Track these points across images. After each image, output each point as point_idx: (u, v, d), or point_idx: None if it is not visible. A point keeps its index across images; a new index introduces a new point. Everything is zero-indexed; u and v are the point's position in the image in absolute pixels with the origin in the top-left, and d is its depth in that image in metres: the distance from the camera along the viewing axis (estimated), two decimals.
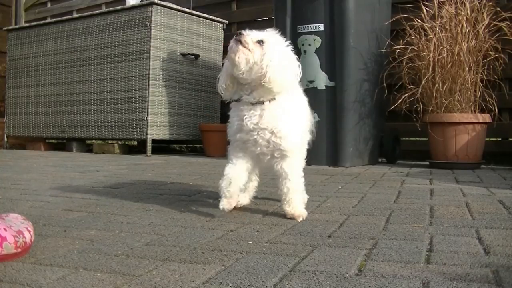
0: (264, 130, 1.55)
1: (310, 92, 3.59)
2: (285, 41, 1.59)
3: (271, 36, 1.56)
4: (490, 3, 3.39)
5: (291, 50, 1.59)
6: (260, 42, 1.52)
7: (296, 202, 1.61)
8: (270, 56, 1.50)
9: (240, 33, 1.52)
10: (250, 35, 1.53)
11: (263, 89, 1.53)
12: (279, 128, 1.55)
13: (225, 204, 1.59)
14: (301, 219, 1.57)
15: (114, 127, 4.85)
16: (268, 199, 2.01)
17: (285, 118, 1.56)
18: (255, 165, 1.68)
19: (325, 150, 3.55)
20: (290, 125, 1.57)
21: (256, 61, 1.50)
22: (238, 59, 1.50)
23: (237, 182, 1.60)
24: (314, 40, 3.55)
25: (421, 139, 4.15)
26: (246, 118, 1.56)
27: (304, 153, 1.72)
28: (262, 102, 1.55)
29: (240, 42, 1.51)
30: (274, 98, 1.55)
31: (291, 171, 1.60)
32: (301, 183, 1.65)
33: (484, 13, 3.37)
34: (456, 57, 3.36)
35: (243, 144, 1.60)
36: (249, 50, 1.50)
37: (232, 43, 1.54)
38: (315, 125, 1.88)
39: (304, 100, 1.71)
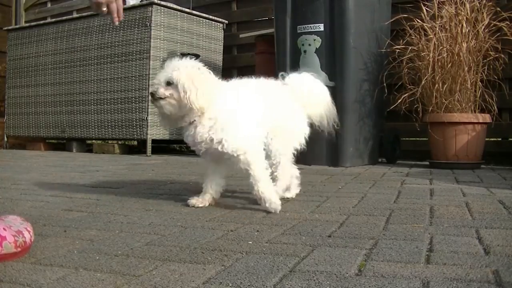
0: (201, 143, 1.72)
1: None
2: (192, 59, 1.78)
3: (176, 72, 1.70)
4: (490, 3, 3.39)
5: (202, 70, 1.75)
6: (169, 83, 1.70)
7: (267, 194, 1.71)
8: (184, 92, 1.67)
9: (153, 94, 1.71)
10: (161, 81, 1.70)
11: (191, 112, 1.70)
12: (214, 137, 1.70)
13: (195, 202, 1.83)
14: (274, 209, 1.69)
15: (114, 127, 4.85)
16: None
17: (217, 126, 1.70)
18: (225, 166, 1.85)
19: (325, 150, 3.55)
20: (225, 130, 1.70)
21: (181, 101, 1.68)
22: (164, 110, 1.72)
23: (210, 187, 1.85)
24: (314, 40, 3.55)
25: (421, 139, 4.15)
26: (185, 136, 1.77)
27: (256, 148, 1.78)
28: (193, 121, 1.72)
29: (158, 99, 1.70)
30: (202, 115, 1.71)
31: (250, 167, 1.72)
32: (265, 174, 1.74)
33: (484, 13, 3.37)
34: (456, 57, 3.36)
35: (202, 156, 1.81)
36: (168, 101, 1.69)
37: (155, 102, 1.73)
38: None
39: (248, 94, 1.81)
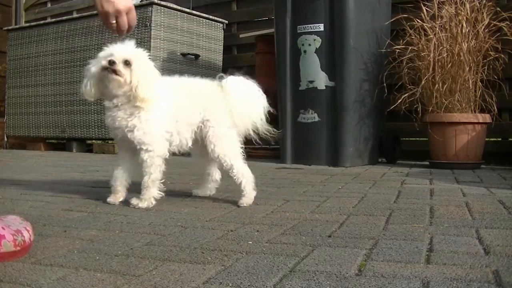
0: (118, 129, 1.78)
1: (310, 92, 3.59)
2: (143, 52, 1.80)
3: (135, 53, 1.75)
4: (490, 3, 3.39)
5: (150, 61, 1.80)
6: (127, 62, 1.71)
7: (150, 192, 1.80)
8: (137, 77, 1.71)
9: (113, 62, 1.69)
10: (118, 57, 1.70)
11: (124, 96, 1.74)
12: (129, 125, 1.75)
13: (111, 198, 1.88)
14: (140, 206, 1.78)
15: None
16: (268, 198, 2.01)
17: (137, 116, 1.75)
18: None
19: (325, 150, 3.55)
20: (143, 122, 1.75)
21: (127, 83, 1.71)
22: (111, 86, 1.72)
23: (122, 179, 1.88)
24: (314, 40, 3.55)
25: (421, 139, 4.15)
26: (106, 118, 1.81)
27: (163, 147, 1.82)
28: (117, 105, 1.76)
29: (114, 71, 1.70)
30: (129, 101, 1.74)
31: (147, 163, 1.79)
32: (157, 175, 1.81)
33: (484, 13, 3.37)
34: (456, 57, 3.36)
35: (116, 140, 1.86)
36: (121, 76, 1.70)
37: (105, 72, 1.71)
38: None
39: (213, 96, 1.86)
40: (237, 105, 1.89)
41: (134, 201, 1.81)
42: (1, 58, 6.19)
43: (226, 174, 1.92)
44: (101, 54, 1.75)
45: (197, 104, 1.85)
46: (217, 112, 1.86)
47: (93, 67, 1.76)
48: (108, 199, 1.88)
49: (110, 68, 1.70)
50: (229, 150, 1.86)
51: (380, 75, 3.56)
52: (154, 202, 1.81)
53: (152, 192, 1.81)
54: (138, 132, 1.76)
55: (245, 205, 1.83)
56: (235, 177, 1.87)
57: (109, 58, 1.70)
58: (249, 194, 1.86)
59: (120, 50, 1.73)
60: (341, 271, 1.02)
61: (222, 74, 1.95)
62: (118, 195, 1.88)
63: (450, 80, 3.38)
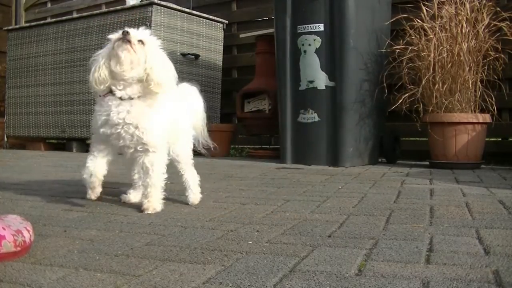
0: (129, 125, 1.64)
1: (310, 92, 3.59)
2: (157, 39, 1.70)
3: (149, 36, 1.65)
4: (490, 3, 3.39)
5: (162, 50, 1.70)
6: (140, 42, 1.61)
7: (154, 197, 1.72)
8: (153, 58, 1.61)
9: (127, 32, 1.58)
10: (133, 34, 1.59)
11: (137, 86, 1.63)
12: (143, 124, 1.64)
13: (90, 194, 1.72)
14: (150, 211, 1.68)
15: None
16: (268, 198, 2.01)
17: (150, 114, 1.65)
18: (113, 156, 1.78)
19: (325, 150, 3.56)
20: (155, 122, 1.66)
21: (140, 62, 1.60)
22: (123, 57, 1.58)
23: (98, 174, 1.72)
24: (314, 40, 3.55)
25: (421, 139, 4.15)
26: (113, 112, 1.63)
27: (165, 151, 1.76)
28: (131, 98, 1.64)
29: (129, 41, 1.58)
30: (143, 95, 1.64)
31: (152, 167, 1.71)
32: (161, 179, 1.73)
33: (484, 13, 3.37)
34: (456, 57, 3.36)
35: (106, 137, 1.69)
36: (134, 50, 1.59)
37: (119, 41, 1.59)
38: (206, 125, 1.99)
39: (183, 100, 1.83)
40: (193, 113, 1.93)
41: (145, 205, 1.71)
42: (1, 58, 6.19)
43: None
44: (113, 35, 1.63)
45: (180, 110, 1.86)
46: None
47: (105, 48, 1.66)
48: (89, 195, 1.74)
49: (125, 38, 1.58)
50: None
51: (380, 75, 3.56)
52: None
53: (160, 194, 1.75)
54: (148, 134, 1.65)
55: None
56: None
57: (122, 30, 1.60)
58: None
59: (135, 30, 1.64)
60: (341, 271, 1.02)
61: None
62: (97, 190, 1.74)
63: (450, 80, 3.38)
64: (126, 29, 1.60)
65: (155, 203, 1.72)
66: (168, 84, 1.65)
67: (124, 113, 1.63)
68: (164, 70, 1.64)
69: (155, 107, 1.68)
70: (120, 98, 1.64)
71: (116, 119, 1.64)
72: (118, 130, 1.65)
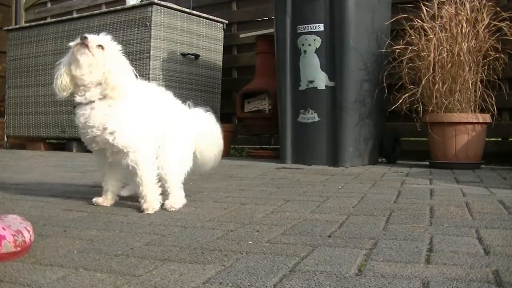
0: (93, 128, 1.66)
1: (310, 92, 3.59)
2: (117, 44, 1.75)
3: (109, 41, 1.71)
4: (490, 3, 3.39)
5: (122, 54, 1.75)
6: (100, 46, 1.66)
7: (148, 196, 1.71)
8: (110, 63, 1.66)
9: (85, 37, 1.64)
10: (92, 39, 1.65)
11: (96, 90, 1.66)
12: (108, 125, 1.65)
13: (100, 202, 1.82)
14: (150, 211, 1.68)
15: None
16: (268, 198, 2.01)
17: (115, 115, 1.66)
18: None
19: (325, 150, 3.56)
20: (121, 122, 1.66)
21: (99, 64, 1.64)
22: (82, 61, 1.63)
23: (110, 186, 1.82)
24: (314, 40, 3.55)
25: (421, 139, 4.15)
26: (76, 118, 1.70)
27: (149, 151, 1.74)
28: (92, 101, 1.66)
29: (86, 46, 1.63)
30: (103, 98, 1.67)
31: (138, 166, 1.70)
32: (152, 176, 1.72)
33: (484, 13, 3.37)
34: (456, 57, 3.36)
35: (87, 144, 1.74)
36: (92, 54, 1.64)
37: (77, 46, 1.64)
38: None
39: (148, 99, 1.79)
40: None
41: (144, 206, 1.71)
42: (1, 58, 6.19)
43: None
44: (73, 42, 1.68)
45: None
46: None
47: (66, 56, 1.71)
48: (94, 200, 1.82)
49: (82, 42, 1.63)
50: None
51: (380, 75, 3.56)
52: (160, 202, 1.75)
53: (155, 192, 1.73)
54: (118, 136, 1.66)
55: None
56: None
57: (81, 36, 1.66)
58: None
59: (94, 35, 1.69)
60: (341, 271, 1.02)
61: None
62: (106, 199, 1.82)
63: (450, 80, 3.38)
64: (85, 34, 1.66)
65: (152, 202, 1.72)
66: (124, 88, 1.68)
67: (86, 117, 1.66)
68: (121, 74, 1.68)
69: (123, 107, 1.68)
70: (80, 104, 1.68)
71: (79, 123, 1.69)
72: (88, 136, 1.68)
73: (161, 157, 1.78)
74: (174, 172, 1.80)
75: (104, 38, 1.70)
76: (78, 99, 1.68)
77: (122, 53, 1.75)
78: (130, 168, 1.71)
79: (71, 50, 1.68)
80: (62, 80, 1.67)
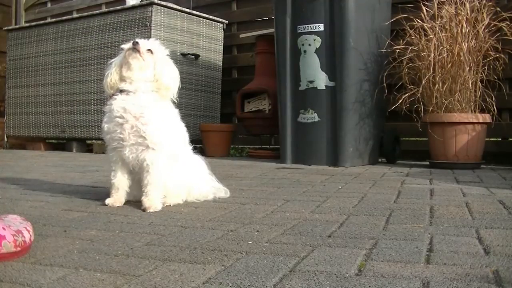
0: (129, 114, 1.72)
1: (310, 92, 3.59)
2: (165, 49, 1.85)
3: (158, 46, 1.81)
4: (490, 3, 3.39)
5: (169, 58, 1.85)
6: (149, 51, 1.77)
7: (153, 195, 1.74)
8: (162, 66, 1.78)
9: (136, 43, 1.75)
10: (143, 44, 1.77)
11: (144, 84, 1.76)
12: (145, 115, 1.72)
13: (112, 202, 1.82)
14: (151, 210, 1.70)
15: None
16: (268, 198, 2.01)
17: (154, 109, 1.75)
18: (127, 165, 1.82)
19: (325, 150, 3.56)
20: (157, 118, 1.75)
21: (148, 67, 1.76)
22: (134, 64, 1.75)
23: (122, 187, 1.83)
24: (314, 40, 3.55)
25: (421, 139, 4.15)
26: (115, 104, 1.74)
27: (168, 155, 1.80)
28: (135, 92, 1.75)
29: (138, 51, 1.75)
30: (148, 92, 1.76)
31: (152, 165, 1.74)
32: (161, 178, 1.76)
33: (484, 13, 3.37)
34: (456, 57, 3.36)
35: (113, 141, 1.76)
36: (143, 58, 1.75)
37: (129, 50, 1.76)
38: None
39: (175, 111, 1.88)
40: None
41: (146, 204, 1.73)
42: (1, 58, 6.19)
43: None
44: (125, 45, 1.80)
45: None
46: None
47: (118, 57, 1.82)
48: (107, 201, 1.82)
49: (134, 47, 1.75)
50: None
51: (380, 75, 3.56)
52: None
53: (160, 193, 1.77)
54: (149, 126, 1.72)
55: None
56: None
57: (133, 41, 1.77)
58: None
59: (144, 40, 1.80)
60: (341, 271, 1.02)
61: None
62: (118, 200, 1.83)
63: (450, 80, 3.38)
64: (136, 39, 1.77)
65: (155, 201, 1.73)
66: (175, 89, 1.80)
67: (128, 104, 1.73)
68: (171, 76, 1.79)
69: (163, 106, 1.79)
70: (126, 91, 1.76)
71: (117, 111, 1.73)
72: (120, 121, 1.72)
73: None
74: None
75: (154, 43, 1.81)
76: (123, 85, 1.77)
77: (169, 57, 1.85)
78: (144, 164, 1.74)
79: (123, 53, 1.79)
80: (111, 78, 1.78)
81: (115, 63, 1.81)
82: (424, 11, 3.46)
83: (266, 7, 5.10)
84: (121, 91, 1.77)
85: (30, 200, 1.95)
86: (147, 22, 4.62)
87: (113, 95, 1.79)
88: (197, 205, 1.85)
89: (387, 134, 3.87)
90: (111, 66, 1.82)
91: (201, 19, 5.09)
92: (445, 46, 3.38)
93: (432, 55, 3.37)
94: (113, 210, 1.74)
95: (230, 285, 0.94)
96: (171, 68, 1.82)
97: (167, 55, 1.85)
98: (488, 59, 3.42)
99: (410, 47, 3.45)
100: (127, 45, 1.79)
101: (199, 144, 5.49)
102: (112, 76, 1.78)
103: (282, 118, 3.73)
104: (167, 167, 1.79)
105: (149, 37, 4.58)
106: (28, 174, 2.98)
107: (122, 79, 1.78)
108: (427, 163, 3.64)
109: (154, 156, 1.74)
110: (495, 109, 3.36)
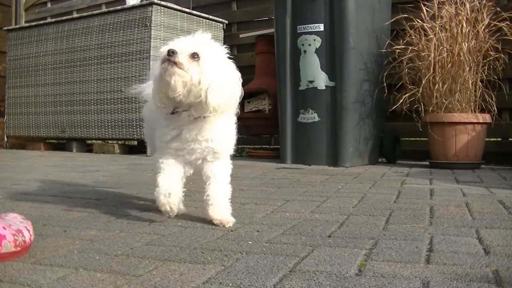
0: (201, 141, 1.48)
1: (310, 92, 3.59)
2: (222, 47, 1.48)
3: (207, 46, 1.42)
4: (490, 3, 3.39)
5: (230, 60, 1.48)
6: (194, 55, 1.37)
7: (225, 208, 1.52)
8: (209, 77, 1.37)
9: (173, 52, 1.35)
10: (183, 51, 1.37)
11: (202, 107, 1.41)
12: (216, 138, 1.49)
13: (169, 210, 1.50)
14: (230, 225, 1.47)
15: (114, 127, 4.85)
16: (268, 198, 2.01)
17: (221, 128, 1.50)
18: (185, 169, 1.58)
19: (325, 150, 3.55)
20: (224, 133, 1.52)
21: (195, 82, 1.36)
22: (174, 82, 1.35)
23: (177, 192, 1.50)
24: (314, 40, 3.55)
25: (421, 139, 4.15)
26: (185, 131, 1.47)
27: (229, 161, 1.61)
28: (203, 116, 1.45)
29: (175, 63, 1.35)
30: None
31: (220, 174, 1.53)
32: (228, 189, 1.56)
33: (484, 13, 3.37)
34: (456, 57, 3.36)
35: (177, 151, 1.51)
36: (185, 71, 1.35)
37: (165, 64, 1.37)
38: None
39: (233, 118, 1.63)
40: None
41: (219, 219, 1.49)
42: (1, 58, 6.19)
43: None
44: (163, 48, 1.41)
45: None
46: None
47: (156, 66, 1.45)
48: (162, 208, 1.50)
49: (169, 59, 1.35)
50: None
51: (380, 75, 3.56)
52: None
53: (229, 205, 1.55)
54: (220, 144, 1.50)
55: None
56: None
57: (168, 48, 1.36)
58: None
59: (187, 41, 1.40)
60: (341, 271, 1.02)
61: None
62: (174, 207, 1.51)
63: (450, 80, 3.38)
64: (172, 47, 1.36)
65: (228, 215, 1.51)
66: (228, 107, 1.44)
67: (197, 131, 1.46)
68: (222, 90, 1.40)
69: (224, 122, 1.52)
70: (189, 116, 1.46)
71: (188, 137, 1.47)
72: (191, 146, 1.48)
73: None
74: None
75: (199, 44, 1.40)
76: (184, 114, 1.45)
77: (220, 55, 1.47)
78: (209, 176, 1.52)
79: (159, 66, 1.40)
80: (159, 98, 1.43)
81: (154, 78, 1.45)
82: (424, 11, 3.46)
83: (266, 7, 5.09)
84: (181, 112, 1.45)
85: (30, 200, 1.95)
86: (147, 22, 4.62)
87: (172, 112, 1.47)
88: (197, 205, 1.85)
89: (387, 134, 3.87)
90: (151, 78, 1.52)
91: (201, 19, 5.09)
92: (445, 46, 3.38)
93: (432, 55, 3.37)
94: (113, 210, 1.74)
95: (230, 285, 0.94)
96: (222, 78, 1.41)
97: (221, 54, 1.47)
98: (488, 59, 3.42)
99: (410, 47, 3.45)
100: (163, 53, 1.38)
101: None
102: (158, 96, 1.43)
103: (282, 118, 3.73)
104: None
105: (149, 37, 4.58)
106: (28, 174, 2.98)
107: (169, 99, 1.42)
108: (427, 163, 3.64)
109: (222, 164, 1.54)
110: (495, 109, 3.36)
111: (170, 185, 1.48)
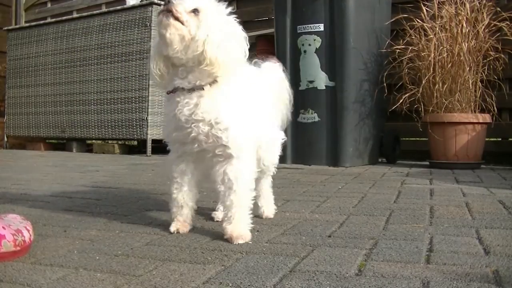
0: (199, 122, 1.26)
1: (310, 92, 3.59)
2: (225, 7, 1.33)
3: (208, 2, 1.28)
4: (490, 3, 3.39)
5: (234, 19, 1.32)
6: (195, 11, 1.23)
7: (238, 220, 1.29)
8: (208, 29, 1.23)
9: (169, 1, 1.22)
10: (183, 3, 1.23)
11: (201, 70, 1.25)
12: (220, 119, 1.26)
13: (180, 227, 1.38)
14: (240, 241, 1.25)
15: (114, 127, 4.85)
16: None
17: (228, 106, 1.27)
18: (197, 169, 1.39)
19: (325, 150, 3.55)
20: (235, 115, 1.28)
21: (193, 36, 1.22)
22: (170, 35, 1.22)
23: (188, 203, 1.39)
24: (314, 40, 3.55)
25: (421, 139, 4.15)
26: (178, 109, 1.27)
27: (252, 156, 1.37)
28: (201, 87, 1.27)
29: (171, 12, 1.21)
30: (215, 81, 1.27)
31: (237, 179, 1.29)
32: (249, 197, 1.33)
33: (484, 13, 3.37)
34: (456, 57, 3.36)
35: (182, 146, 1.33)
36: (182, 23, 1.21)
37: (161, 16, 1.23)
38: (287, 120, 1.73)
39: (259, 84, 1.44)
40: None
41: (231, 233, 1.27)
42: (1, 58, 6.19)
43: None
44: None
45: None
46: None
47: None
48: (172, 228, 1.38)
49: (166, 8, 1.22)
50: None
51: (380, 75, 3.56)
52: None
53: (248, 217, 1.33)
54: (228, 131, 1.27)
55: None
56: None
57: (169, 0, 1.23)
58: None
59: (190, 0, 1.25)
60: (341, 271, 1.02)
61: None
62: (185, 222, 1.40)
63: (450, 80, 3.38)
64: (175, 1, 1.23)
65: (243, 229, 1.29)
66: (228, 62, 1.24)
67: (192, 107, 1.26)
68: (226, 45, 1.24)
69: (235, 96, 1.29)
70: (183, 89, 1.27)
71: (182, 116, 1.27)
72: (189, 131, 1.28)
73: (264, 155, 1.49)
74: (272, 166, 1.53)
75: (200, 1, 1.26)
76: (178, 82, 1.27)
77: (227, 15, 1.32)
78: (225, 181, 1.30)
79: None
80: (156, 65, 1.30)
81: (155, 43, 1.32)
82: (424, 11, 3.47)
83: (266, 7, 5.09)
84: (178, 88, 1.28)
85: (30, 200, 1.95)
86: (147, 22, 4.62)
87: (172, 90, 1.30)
88: (198, 205, 1.85)
89: (387, 134, 3.87)
90: (153, 47, 1.36)
91: None
92: (445, 46, 3.38)
93: (432, 55, 3.37)
94: (113, 210, 1.74)
95: (230, 285, 0.94)
96: (226, 33, 1.26)
97: (224, 12, 1.31)
98: (488, 59, 3.42)
99: (410, 47, 3.45)
100: (160, 7, 1.26)
101: None
102: (154, 62, 1.29)
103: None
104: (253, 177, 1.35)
105: (149, 37, 4.58)
106: (28, 174, 2.98)
107: (167, 62, 1.29)
108: (427, 163, 3.64)
109: (239, 167, 1.30)
110: (495, 109, 3.36)
111: (182, 196, 1.37)
